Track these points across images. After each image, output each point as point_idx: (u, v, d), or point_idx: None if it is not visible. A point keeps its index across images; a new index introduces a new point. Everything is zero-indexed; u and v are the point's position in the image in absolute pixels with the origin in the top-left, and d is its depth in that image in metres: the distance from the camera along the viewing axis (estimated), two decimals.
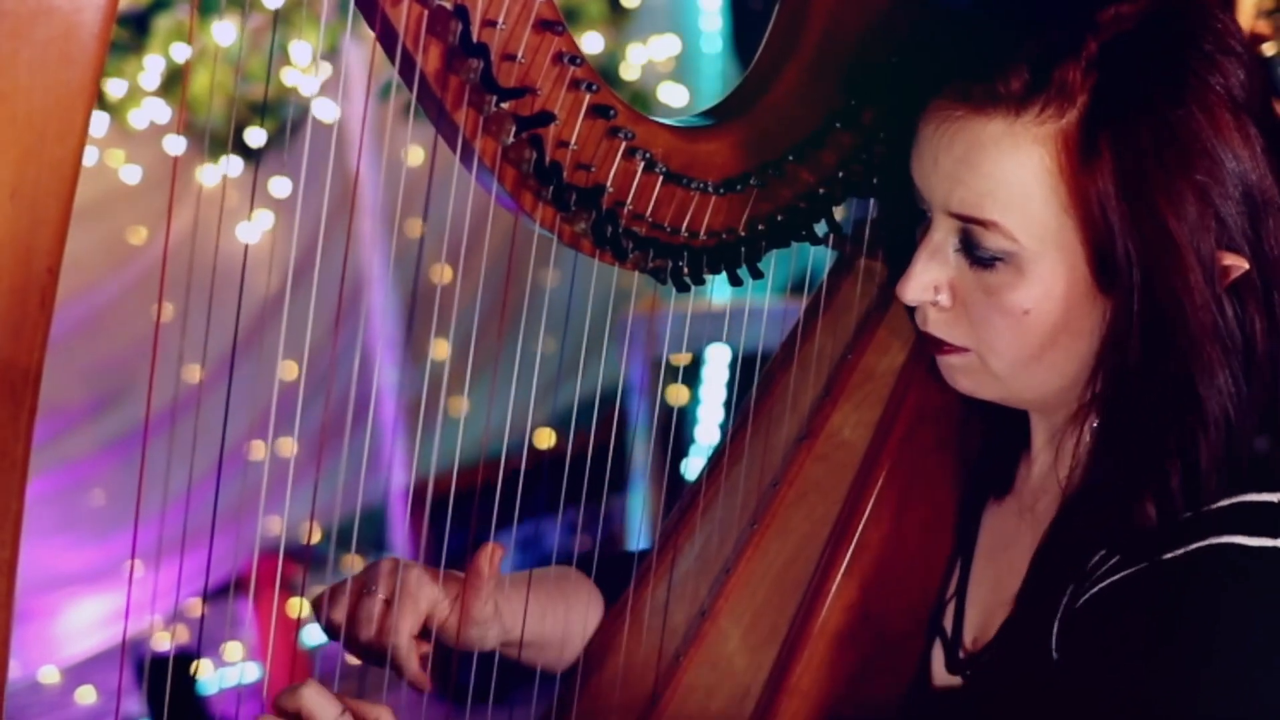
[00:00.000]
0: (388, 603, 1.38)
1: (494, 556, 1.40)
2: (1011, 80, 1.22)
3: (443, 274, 3.62)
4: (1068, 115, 1.22)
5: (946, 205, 1.27)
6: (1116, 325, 1.24)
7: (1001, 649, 1.36)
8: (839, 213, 1.46)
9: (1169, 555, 1.21)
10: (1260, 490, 1.23)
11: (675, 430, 4.16)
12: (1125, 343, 1.23)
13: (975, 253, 1.27)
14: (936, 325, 1.32)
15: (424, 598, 1.39)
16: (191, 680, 3.69)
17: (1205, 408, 1.22)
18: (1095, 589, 1.24)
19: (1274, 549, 1.20)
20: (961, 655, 1.41)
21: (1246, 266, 1.23)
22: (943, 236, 1.28)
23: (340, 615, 1.40)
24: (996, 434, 1.42)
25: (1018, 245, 1.24)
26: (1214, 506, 1.22)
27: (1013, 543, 1.39)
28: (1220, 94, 1.22)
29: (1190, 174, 1.21)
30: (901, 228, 1.34)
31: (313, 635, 4.07)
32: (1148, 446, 1.24)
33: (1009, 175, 1.23)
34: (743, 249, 1.42)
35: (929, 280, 1.29)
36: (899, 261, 1.33)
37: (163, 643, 3.71)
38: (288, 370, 3.47)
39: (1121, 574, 1.23)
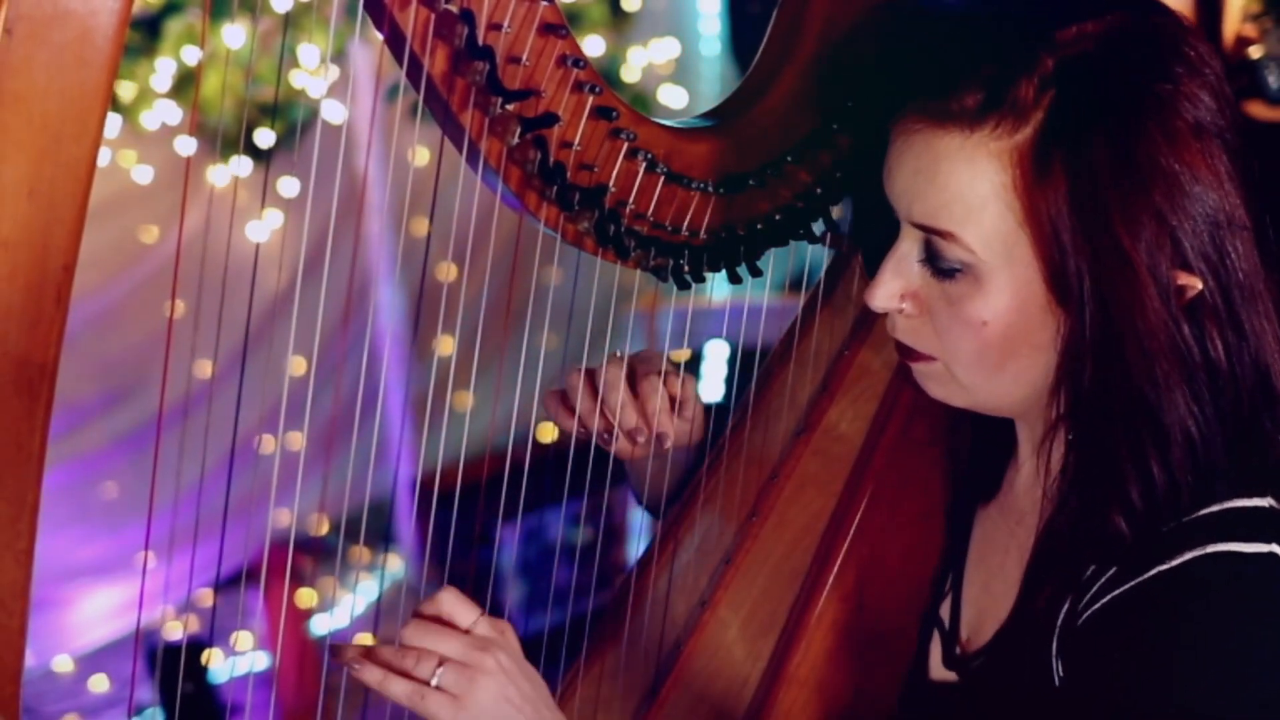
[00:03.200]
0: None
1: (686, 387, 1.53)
2: (966, 97, 1.23)
3: (448, 272, 3.63)
4: (1022, 131, 1.22)
5: (909, 216, 1.28)
6: (1071, 341, 1.24)
7: (997, 656, 1.37)
8: (836, 212, 1.48)
9: (1165, 567, 1.21)
10: (1249, 495, 1.23)
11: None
12: (1080, 358, 1.24)
13: (936, 263, 1.27)
14: (904, 333, 1.32)
15: (659, 362, 1.51)
16: (202, 669, 3.71)
17: (1165, 425, 1.22)
18: (1096, 605, 1.24)
19: (1269, 554, 1.20)
20: (957, 652, 1.42)
21: (1200, 286, 1.22)
22: (908, 247, 1.29)
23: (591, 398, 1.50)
24: (984, 439, 1.42)
25: (975, 257, 1.24)
26: (1204, 513, 1.22)
27: (1002, 546, 1.40)
28: (1185, 119, 1.21)
29: (1148, 196, 1.20)
30: (882, 233, 1.34)
31: (321, 624, 4.10)
32: (1109, 461, 1.24)
33: (965, 188, 1.24)
34: (742, 247, 1.44)
35: (895, 289, 1.30)
36: (877, 266, 1.33)
37: (174, 632, 3.73)
38: (297, 366, 3.49)
39: (1120, 589, 1.23)
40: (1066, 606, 1.28)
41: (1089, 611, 1.25)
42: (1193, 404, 1.23)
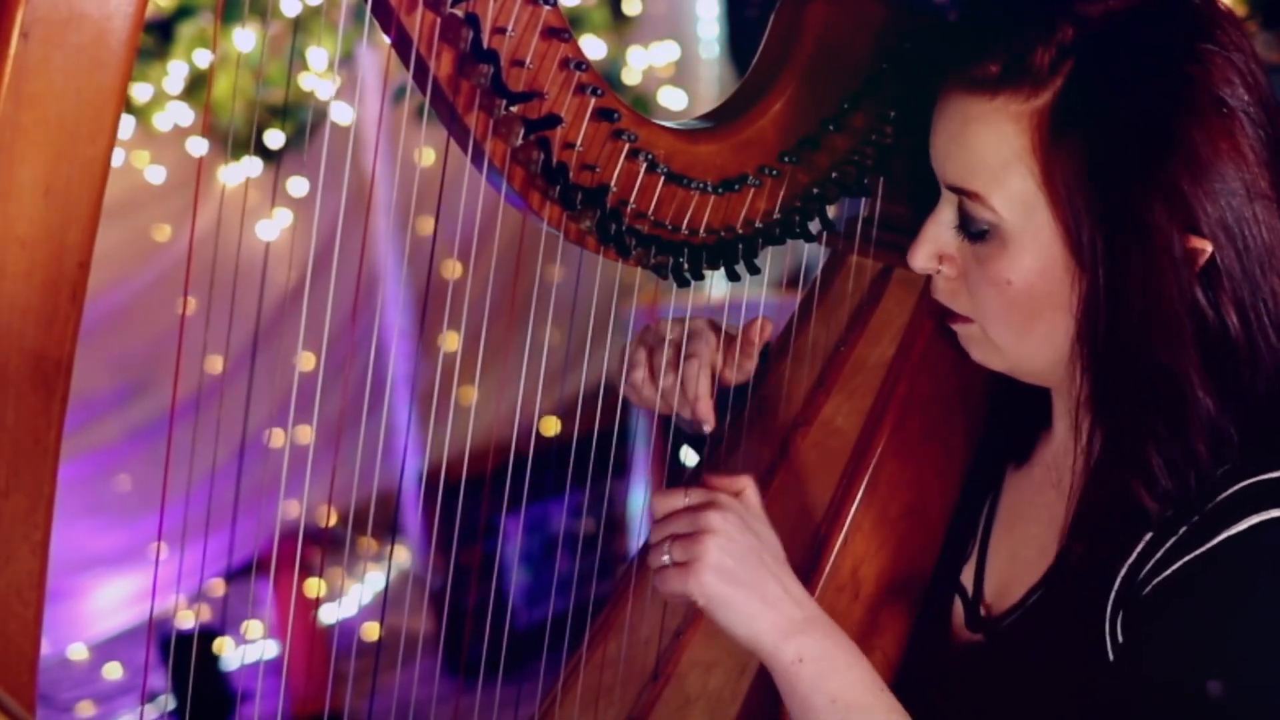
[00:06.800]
0: (676, 351, 1.49)
1: (764, 330, 1.51)
2: (989, 64, 1.29)
3: (454, 269, 3.66)
4: (1040, 97, 1.28)
5: (944, 177, 1.34)
6: (1088, 303, 1.28)
7: (1033, 615, 1.39)
8: (832, 211, 1.50)
9: (1231, 532, 1.23)
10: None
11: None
12: (1095, 322, 1.28)
13: (968, 226, 1.33)
14: (943, 294, 1.38)
15: (711, 343, 1.50)
16: (214, 657, 3.75)
17: (1179, 390, 1.25)
18: (1163, 574, 1.26)
19: None
20: (983, 614, 1.44)
21: (1210, 249, 1.25)
22: (945, 210, 1.35)
23: (641, 369, 1.51)
24: (1020, 406, 1.45)
25: (999, 217, 1.30)
26: (1259, 479, 1.24)
27: (1032, 512, 1.43)
28: (1211, 96, 1.25)
29: (1165, 166, 1.24)
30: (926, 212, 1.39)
31: (329, 614, 4.13)
32: (1130, 430, 1.27)
33: (988, 151, 1.30)
34: (740, 246, 1.45)
35: (932, 249, 1.36)
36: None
37: (187, 621, 3.76)
38: (306, 361, 3.52)
39: (1188, 556, 1.25)
40: (1124, 573, 1.29)
41: (1156, 580, 1.27)
42: (1205, 371, 1.25)
